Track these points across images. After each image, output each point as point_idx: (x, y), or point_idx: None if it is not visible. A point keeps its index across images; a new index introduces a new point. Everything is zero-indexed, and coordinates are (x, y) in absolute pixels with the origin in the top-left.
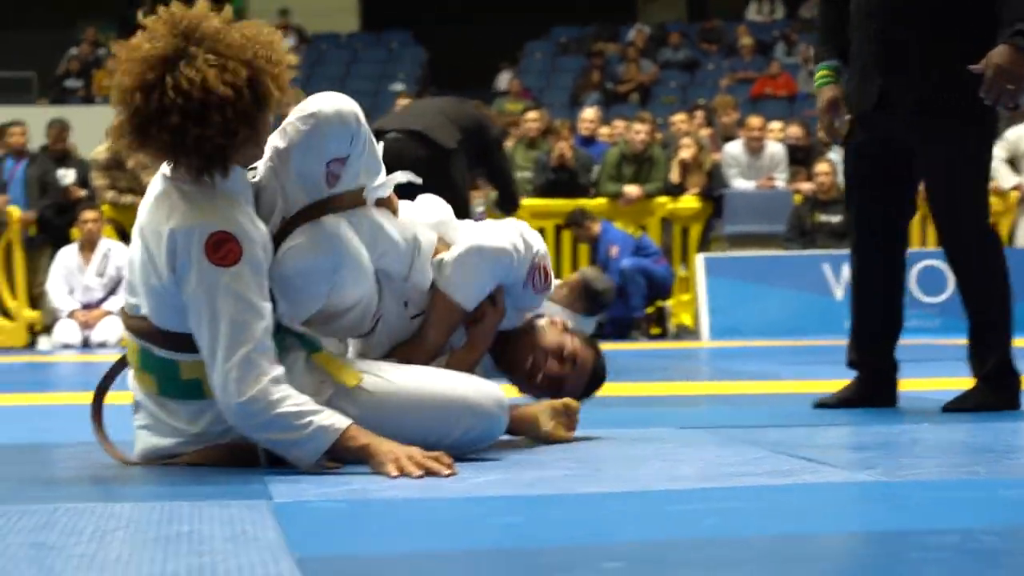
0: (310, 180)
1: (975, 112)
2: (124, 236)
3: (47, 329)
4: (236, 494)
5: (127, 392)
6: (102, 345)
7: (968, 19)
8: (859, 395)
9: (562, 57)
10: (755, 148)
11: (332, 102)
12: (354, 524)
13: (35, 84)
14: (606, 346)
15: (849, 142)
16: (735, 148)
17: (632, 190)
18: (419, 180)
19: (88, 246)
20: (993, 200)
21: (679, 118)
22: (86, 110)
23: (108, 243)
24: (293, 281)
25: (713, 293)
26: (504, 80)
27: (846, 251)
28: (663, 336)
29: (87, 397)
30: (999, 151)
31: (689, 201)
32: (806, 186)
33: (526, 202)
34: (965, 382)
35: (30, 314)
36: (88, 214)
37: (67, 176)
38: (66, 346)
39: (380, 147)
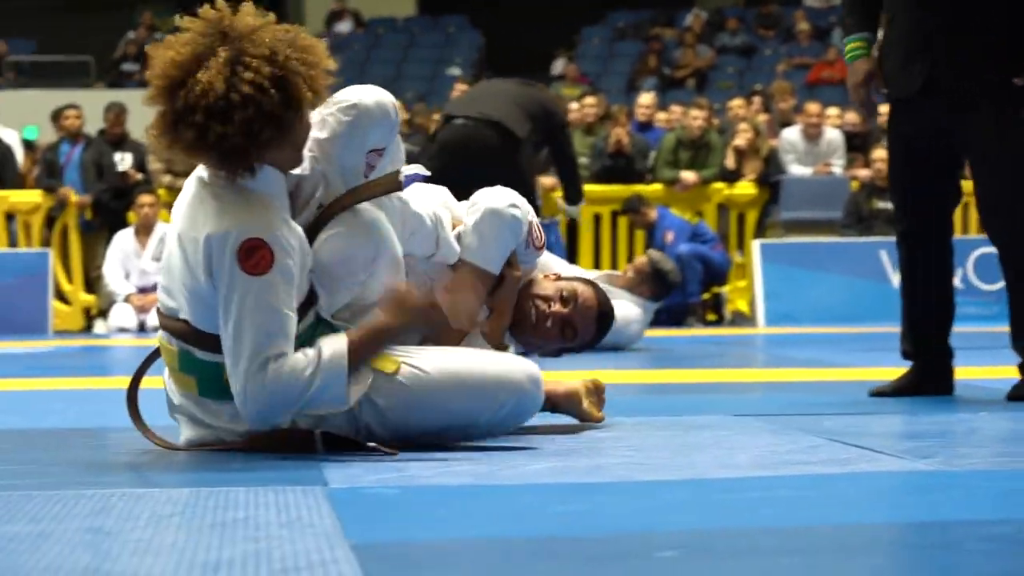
0: (350, 170)
1: (1021, 97)
2: None
3: (103, 313)
4: (292, 480)
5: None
6: (158, 329)
7: (1016, 4)
8: (915, 384)
9: (619, 42)
10: (813, 134)
11: (372, 94)
12: (408, 510)
13: (92, 68)
14: (662, 332)
15: (890, 127)
16: (792, 134)
17: (688, 176)
18: (427, 172)
19: (144, 230)
20: None
21: (736, 103)
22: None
23: (164, 227)
24: (332, 269)
25: (769, 279)
26: (560, 65)
27: None
28: (719, 322)
29: (149, 381)
30: None
31: (745, 187)
32: (863, 172)
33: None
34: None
35: (86, 298)
36: (144, 198)
37: (124, 160)
38: (122, 330)
39: (449, 132)
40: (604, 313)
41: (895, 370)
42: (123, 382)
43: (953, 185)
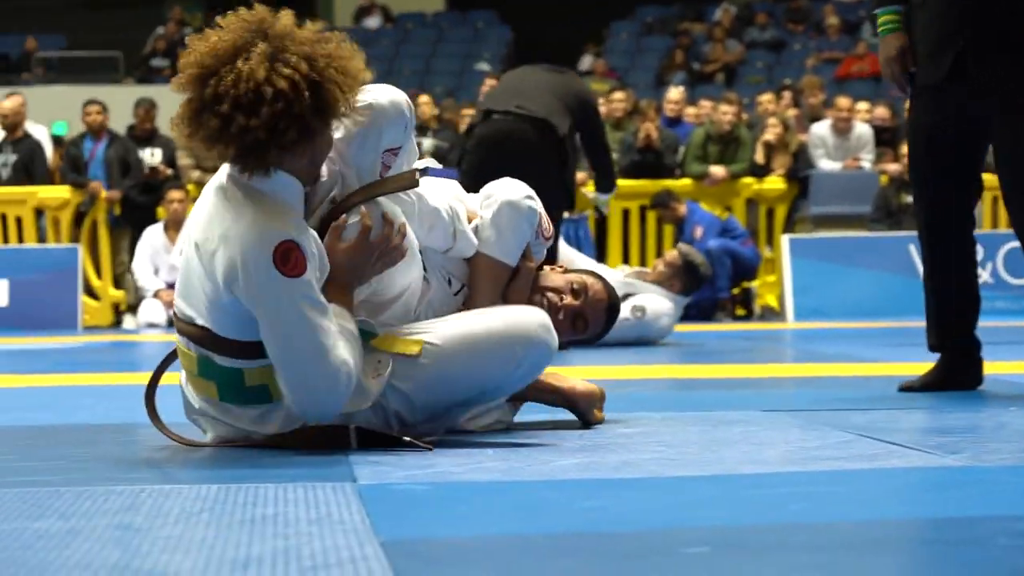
0: (366, 170)
1: None
2: None
3: (132, 308)
4: (321, 476)
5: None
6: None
7: None
8: (943, 378)
9: (647, 37)
10: (843, 129)
11: (386, 94)
12: (438, 507)
13: (121, 63)
14: (691, 327)
15: (913, 117)
16: (822, 129)
17: (717, 171)
18: (439, 165)
19: (174, 226)
20: None
21: (766, 98)
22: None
23: None
24: None
25: (798, 274)
26: (588, 60)
27: None
28: (748, 317)
29: (172, 377)
30: None
31: (774, 182)
32: (893, 167)
33: None
34: None
35: (115, 293)
36: (174, 194)
37: (154, 156)
38: (151, 325)
39: (487, 127)
40: (613, 305)
41: (925, 365)
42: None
43: (975, 176)
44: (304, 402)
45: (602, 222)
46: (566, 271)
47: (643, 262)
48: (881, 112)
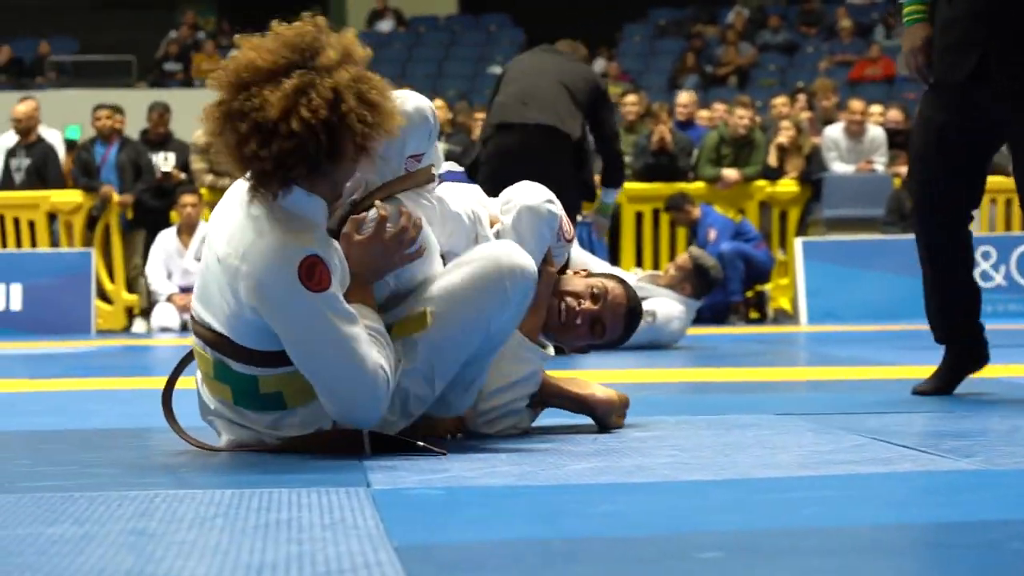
0: (389, 175)
1: None
2: None
3: (144, 312)
4: (335, 481)
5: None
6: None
7: None
8: (954, 371)
9: (660, 40)
10: (856, 132)
11: (410, 100)
12: (452, 512)
13: (134, 67)
14: (704, 331)
15: (924, 113)
16: (835, 131)
17: (730, 174)
18: (460, 169)
19: (187, 230)
20: None
21: (780, 101)
22: (185, 93)
23: (207, 226)
24: None
25: (811, 277)
26: (601, 63)
27: None
28: (761, 320)
29: (186, 382)
30: None
31: (788, 185)
32: (905, 170)
33: (625, 187)
34: None
35: (129, 297)
36: (187, 198)
37: (167, 160)
38: (165, 329)
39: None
40: (633, 310)
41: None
42: (165, 382)
43: (983, 178)
44: (346, 412)
45: (616, 225)
46: (589, 275)
47: (656, 265)
48: (894, 115)
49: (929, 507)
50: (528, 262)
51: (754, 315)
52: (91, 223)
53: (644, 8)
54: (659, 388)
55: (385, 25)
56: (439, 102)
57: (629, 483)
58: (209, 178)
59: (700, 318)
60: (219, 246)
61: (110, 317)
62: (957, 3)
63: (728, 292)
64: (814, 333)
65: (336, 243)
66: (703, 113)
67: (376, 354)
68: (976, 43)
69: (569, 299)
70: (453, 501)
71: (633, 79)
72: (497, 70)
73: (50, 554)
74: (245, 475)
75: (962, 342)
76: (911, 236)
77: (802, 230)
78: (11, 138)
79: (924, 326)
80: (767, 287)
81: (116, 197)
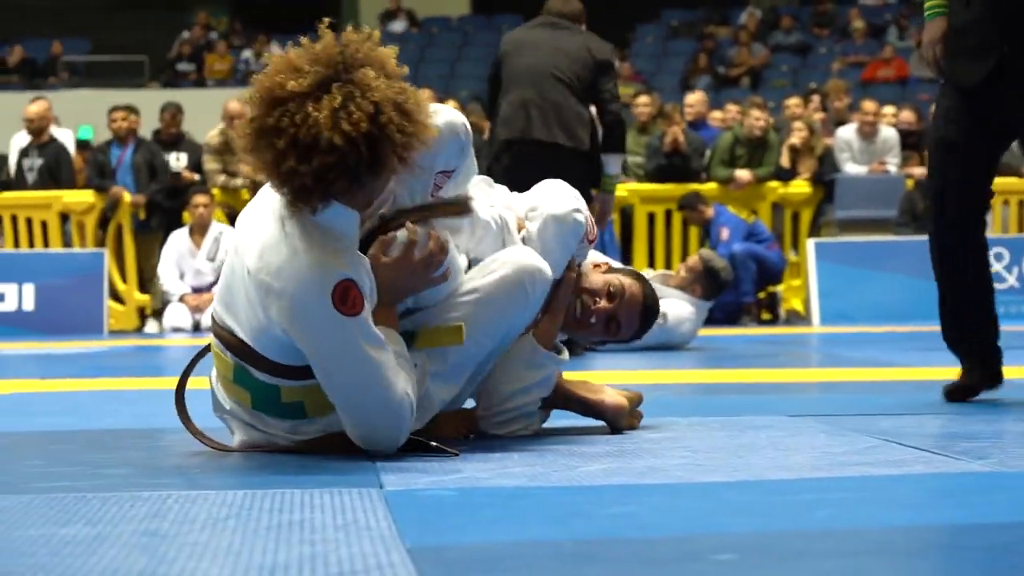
0: (418, 191)
1: None
2: (235, 220)
3: (157, 313)
4: (347, 482)
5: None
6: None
7: None
8: (969, 390)
9: (673, 40)
10: (868, 133)
11: (443, 115)
12: (465, 513)
13: (147, 68)
14: (717, 332)
15: (940, 115)
16: (848, 132)
17: (743, 175)
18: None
19: (199, 230)
20: None
21: (794, 102)
22: (197, 93)
23: (219, 227)
24: None
25: (823, 278)
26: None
27: None
28: (774, 322)
29: (200, 382)
30: None
31: (800, 186)
32: (918, 171)
33: (637, 187)
34: None
35: (141, 298)
36: (199, 198)
37: (180, 160)
38: (177, 329)
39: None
40: (649, 307)
41: (949, 369)
42: (177, 381)
43: (991, 181)
44: (367, 437)
45: (627, 226)
46: (608, 270)
47: (668, 265)
48: (907, 116)
49: (942, 509)
50: (544, 264)
51: (766, 316)
52: (104, 223)
53: (656, 9)
54: (671, 389)
55: (397, 26)
56: (451, 103)
57: (642, 484)
58: (222, 178)
59: (712, 319)
60: (250, 258)
61: (122, 317)
62: (974, 6)
63: (740, 293)
64: (826, 334)
65: (366, 260)
66: (716, 114)
67: (403, 381)
68: (993, 47)
69: (586, 297)
70: (466, 502)
71: (645, 80)
72: None
73: (63, 555)
74: (257, 476)
75: (974, 354)
76: (923, 237)
77: (814, 231)
78: (23, 138)
79: (936, 327)
80: (779, 288)
81: (128, 198)
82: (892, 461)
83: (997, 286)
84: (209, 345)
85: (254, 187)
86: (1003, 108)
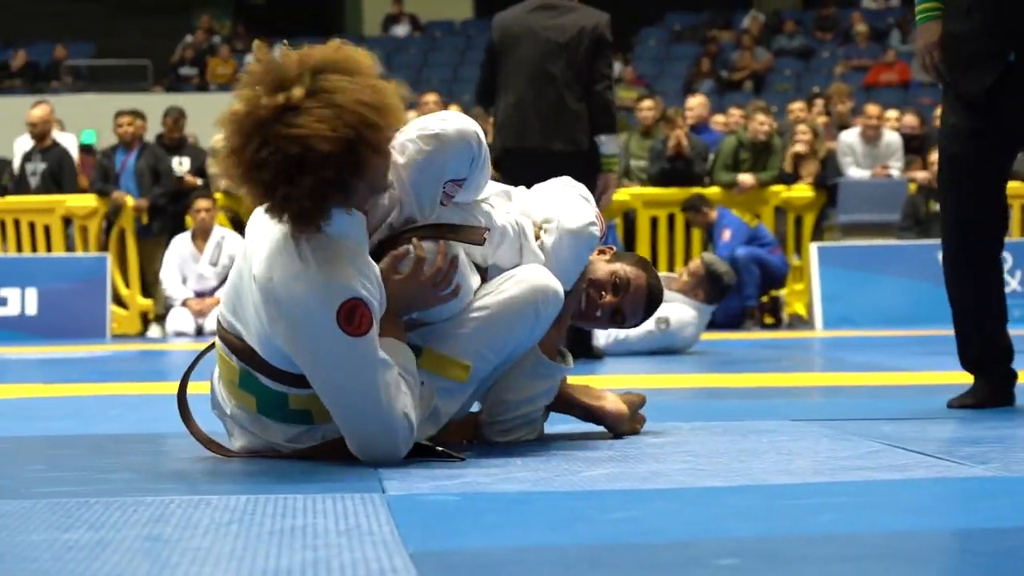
0: (427, 199)
1: None
2: (237, 224)
3: (159, 317)
4: (350, 487)
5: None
6: (215, 334)
7: None
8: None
9: (676, 44)
10: (871, 136)
11: (455, 123)
12: (467, 518)
13: (150, 72)
14: (719, 336)
15: (945, 126)
16: (851, 136)
17: (746, 179)
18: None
19: (202, 234)
20: None
21: (797, 106)
22: (200, 97)
23: (221, 231)
24: None
25: (826, 282)
26: (617, 67)
27: None
28: (776, 326)
29: (201, 387)
30: None
31: (803, 190)
32: (921, 175)
33: (640, 191)
34: None
35: (144, 302)
36: (202, 203)
37: (182, 164)
38: (179, 334)
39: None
40: (653, 297)
41: (953, 374)
42: (179, 384)
43: (1004, 194)
44: (365, 451)
45: (630, 229)
46: (614, 257)
47: (671, 269)
48: (910, 120)
49: (945, 514)
50: (558, 285)
51: (769, 320)
52: (107, 228)
53: (660, 13)
54: (674, 394)
55: (400, 30)
56: (454, 107)
57: (645, 489)
58: (225, 182)
59: (715, 323)
60: (257, 265)
61: (125, 322)
62: (974, 15)
63: (743, 297)
64: (829, 338)
65: (376, 267)
66: (718, 118)
67: (404, 400)
68: (997, 55)
69: (591, 290)
70: (468, 507)
71: (648, 84)
72: None
73: (65, 560)
74: (260, 481)
75: (987, 373)
76: (927, 241)
77: (817, 235)
78: (26, 142)
79: (939, 331)
80: (782, 292)
81: (130, 202)
82: (895, 466)
83: None
84: (211, 345)
85: None
86: (1008, 118)
